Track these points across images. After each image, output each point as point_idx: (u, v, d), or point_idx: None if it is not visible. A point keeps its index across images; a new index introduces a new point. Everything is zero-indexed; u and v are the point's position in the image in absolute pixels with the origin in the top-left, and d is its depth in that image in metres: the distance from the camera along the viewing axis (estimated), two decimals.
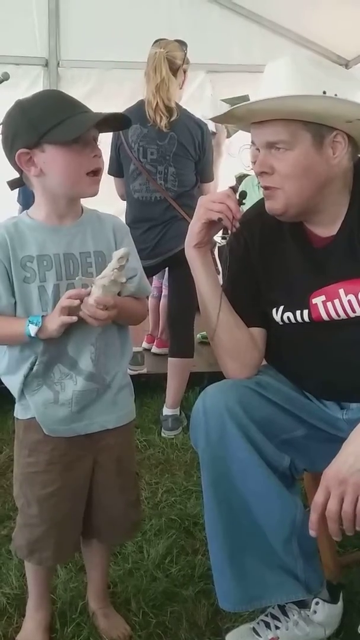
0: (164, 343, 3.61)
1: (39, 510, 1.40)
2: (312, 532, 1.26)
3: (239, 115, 1.39)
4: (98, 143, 1.33)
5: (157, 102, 2.70)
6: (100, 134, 1.35)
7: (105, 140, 1.43)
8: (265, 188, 1.40)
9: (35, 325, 1.28)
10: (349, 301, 1.38)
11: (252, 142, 1.42)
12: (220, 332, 1.48)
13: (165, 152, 2.75)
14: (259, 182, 1.45)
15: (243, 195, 1.40)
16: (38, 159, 1.29)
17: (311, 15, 4.49)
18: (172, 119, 2.71)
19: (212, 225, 1.43)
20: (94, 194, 1.33)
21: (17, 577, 1.70)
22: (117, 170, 2.89)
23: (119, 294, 1.35)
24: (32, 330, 1.28)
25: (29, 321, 1.29)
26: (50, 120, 1.26)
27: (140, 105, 2.79)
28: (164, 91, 2.70)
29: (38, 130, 1.26)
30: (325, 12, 4.35)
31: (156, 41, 2.82)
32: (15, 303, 1.32)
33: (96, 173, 1.32)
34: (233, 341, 1.49)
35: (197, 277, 1.49)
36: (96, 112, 1.30)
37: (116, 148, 2.82)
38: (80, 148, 1.28)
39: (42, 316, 1.29)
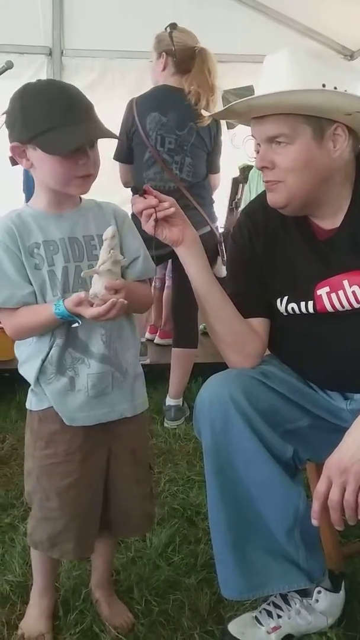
0: (167, 334, 3.61)
1: (59, 502, 1.39)
2: (314, 522, 1.27)
3: (240, 111, 1.38)
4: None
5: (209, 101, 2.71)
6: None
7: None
8: (267, 182, 1.39)
9: (65, 314, 1.27)
10: (354, 292, 1.38)
11: (253, 137, 1.42)
12: (218, 325, 1.49)
13: (183, 142, 2.74)
14: None
15: (135, 189, 1.42)
16: (30, 154, 1.30)
17: (316, 5, 4.47)
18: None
19: (161, 226, 1.43)
20: (83, 193, 1.33)
21: (21, 565, 1.70)
22: (125, 156, 2.86)
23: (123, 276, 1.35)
24: (74, 318, 1.28)
25: (58, 313, 1.28)
26: (43, 124, 1.25)
27: (160, 92, 2.77)
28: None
29: (29, 131, 1.26)
30: (331, 2, 4.33)
31: (175, 26, 2.77)
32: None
33: (85, 176, 1.31)
34: (232, 333, 1.49)
35: (188, 272, 1.50)
36: (90, 127, 1.27)
37: (129, 134, 2.79)
38: (70, 154, 1.27)
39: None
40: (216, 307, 1.48)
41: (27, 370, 1.38)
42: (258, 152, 1.40)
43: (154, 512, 1.59)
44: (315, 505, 1.25)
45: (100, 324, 1.34)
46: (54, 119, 1.25)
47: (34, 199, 1.38)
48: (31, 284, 1.32)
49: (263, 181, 1.42)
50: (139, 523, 1.52)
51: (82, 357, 1.36)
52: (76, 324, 1.30)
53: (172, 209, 1.42)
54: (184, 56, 2.73)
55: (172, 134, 2.74)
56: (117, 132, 2.74)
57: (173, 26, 2.78)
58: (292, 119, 1.32)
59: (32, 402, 1.41)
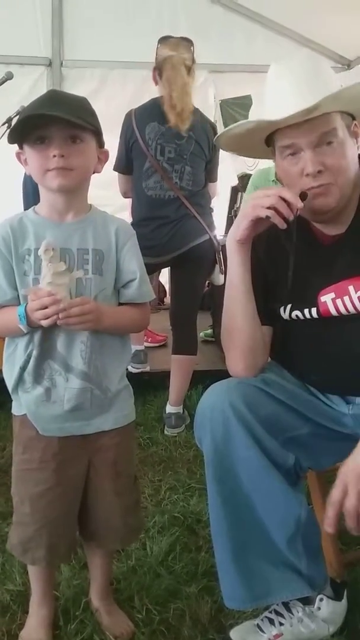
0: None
1: (31, 508, 1.40)
2: (328, 529, 1.24)
3: (293, 115, 1.32)
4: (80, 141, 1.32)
5: (183, 108, 2.72)
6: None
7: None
8: (318, 187, 1.35)
9: (22, 316, 1.30)
10: (359, 297, 1.38)
11: (286, 147, 1.37)
12: (244, 331, 1.48)
13: (182, 151, 2.76)
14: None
15: (304, 196, 1.33)
16: (25, 157, 1.36)
17: (314, 15, 4.51)
18: (191, 123, 2.74)
19: (259, 222, 1.39)
20: (59, 186, 1.32)
21: (21, 574, 1.69)
22: (125, 167, 2.88)
23: (116, 294, 1.39)
24: (22, 320, 1.31)
25: (18, 313, 1.31)
26: (16, 123, 1.32)
27: (157, 102, 2.79)
28: (188, 96, 2.73)
29: (12, 132, 1.33)
30: (328, 12, 4.37)
31: (163, 39, 2.81)
32: (18, 296, 1.35)
33: (59, 169, 1.31)
34: (252, 341, 1.48)
35: (234, 271, 1.47)
36: (55, 113, 1.28)
37: (127, 145, 2.81)
38: (44, 147, 1.30)
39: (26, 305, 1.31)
40: (250, 312, 1.47)
41: (9, 371, 1.40)
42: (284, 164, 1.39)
43: (138, 524, 1.57)
44: (331, 513, 1.22)
45: (81, 339, 1.36)
46: (27, 113, 1.31)
47: (40, 204, 1.41)
48: (16, 289, 1.34)
49: (312, 187, 1.35)
50: (120, 535, 1.51)
51: (60, 369, 1.37)
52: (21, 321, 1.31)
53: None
54: (161, 69, 2.77)
55: (172, 143, 2.75)
56: (116, 143, 2.78)
57: (161, 40, 2.82)
58: (335, 116, 1.34)
59: (15, 407, 1.44)
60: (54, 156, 1.29)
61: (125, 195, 3.01)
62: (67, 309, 1.26)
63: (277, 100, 1.37)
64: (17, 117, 1.35)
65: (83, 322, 1.29)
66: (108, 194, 2.87)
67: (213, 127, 2.84)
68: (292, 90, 1.35)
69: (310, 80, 1.36)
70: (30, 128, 1.30)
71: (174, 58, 2.74)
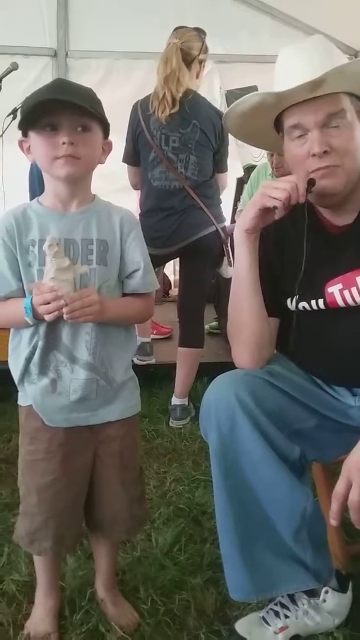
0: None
1: (38, 499, 1.41)
2: (333, 522, 1.24)
3: (294, 92, 1.32)
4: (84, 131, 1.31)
5: (165, 93, 2.71)
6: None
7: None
8: (324, 168, 1.35)
9: (28, 309, 1.30)
10: None
11: (293, 127, 1.37)
12: (250, 325, 1.47)
13: (187, 140, 2.74)
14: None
15: (312, 182, 1.33)
16: (29, 145, 1.35)
17: (320, 5, 4.47)
18: (174, 110, 2.70)
19: (267, 212, 1.38)
20: (67, 174, 1.31)
21: (27, 564, 1.70)
22: (132, 158, 2.88)
23: (115, 286, 1.38)
24: (28, 313, 1.30)
25: (24, 306, 1.31)
26: (25, 109, 1.29)
27: None
28: (172, 83, 2.70)
29: (21, 118, 1.32)
30: (335, 2, 4.33)
31: (175, 29, 2.80)
32: (23, 287, 1.35)
33: (67, 157, 1.30)
34: (259, 334, 1.48)
35: (241, 262, 1.46)
36: (61, 98, 1.27)
37: (134, 136, 2.81)
38: (53, 134, 1.29)
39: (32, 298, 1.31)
40: (257, 304, 1.46)
41: (14, 362, 1.40)
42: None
43: (143, 515, 1.57)
44: (335, 506, 1.23)
45: (86, 331, 1.36)
46: (34, 99, 1.29)
47: (44, 195, 1.40)
48: (21, 280, 1.34)
49: (318, 168, 1.35)
50: (126, 526, 1.51)
51: (66, 360, 1.37)
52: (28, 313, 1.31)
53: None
54: None
55: (176, 132, 2.74)
56: (123, 133, 2.76)
57: (175, 28, 2.81)
58: (344, 98, 1.33)
59: (20, 398, 1.44)
60: (64, 143, 1.28)
61: (135, 188, 3.00)
62: (69, 304, 1.26)
63: (285, 75, 1.36)
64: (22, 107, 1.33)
65: (86, 315, 1.29)
66: (104, 184, 2.86)
67: (220, 116, 2.79)
68: (302, 66, 1.34)
69: (320, 57, 1.35)
70: (39, 114, 1.28)
71: (169, 45, 2.73)
